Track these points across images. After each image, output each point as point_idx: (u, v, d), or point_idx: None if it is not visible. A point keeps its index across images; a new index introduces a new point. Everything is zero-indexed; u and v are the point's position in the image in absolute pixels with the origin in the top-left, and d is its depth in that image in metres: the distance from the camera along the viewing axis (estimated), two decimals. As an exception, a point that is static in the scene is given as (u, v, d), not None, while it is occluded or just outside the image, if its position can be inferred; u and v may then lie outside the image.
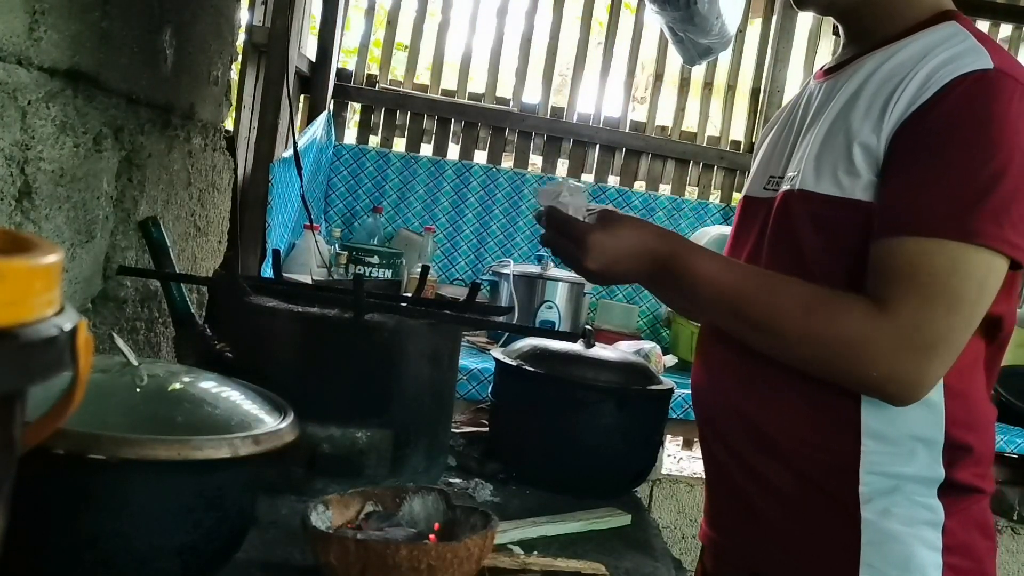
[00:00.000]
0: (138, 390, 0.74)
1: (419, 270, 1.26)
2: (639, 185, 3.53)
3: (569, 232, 0.99)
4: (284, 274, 1.22)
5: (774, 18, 3.57)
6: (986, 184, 0.86)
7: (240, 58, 2.40)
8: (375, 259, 2.70)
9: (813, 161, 0.98)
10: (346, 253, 2.68)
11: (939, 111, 0.89)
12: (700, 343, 1.17)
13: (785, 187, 1.02)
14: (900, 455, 0.96)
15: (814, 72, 1.14)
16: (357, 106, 3.54)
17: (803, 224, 0.98)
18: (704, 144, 3.58)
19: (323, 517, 0.80)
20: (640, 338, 2.91)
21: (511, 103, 3.48)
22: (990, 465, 1.01)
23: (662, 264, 0.97)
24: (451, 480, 1.15)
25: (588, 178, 3.50)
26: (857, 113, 0.96)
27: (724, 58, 3.32)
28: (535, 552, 0.93)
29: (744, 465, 1.04)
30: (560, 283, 2.72)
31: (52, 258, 0.40)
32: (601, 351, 1.24)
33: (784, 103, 1.23)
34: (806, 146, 1.01)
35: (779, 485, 1.01)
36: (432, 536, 0.82)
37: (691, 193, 3.64)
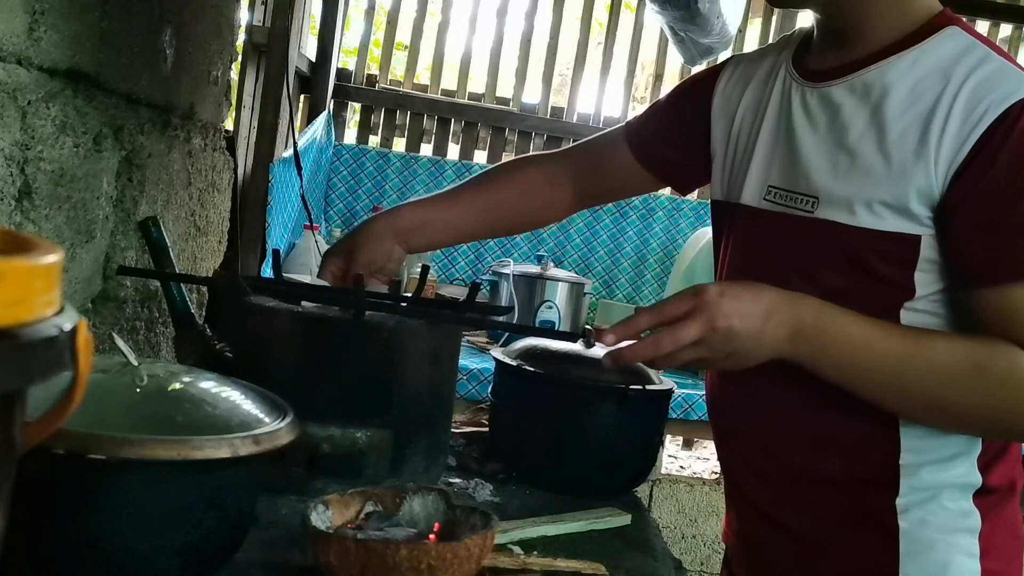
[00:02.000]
0: (138, 390, 0.74)
1: (419, 270, 1.26)
2: (639, 185, 3.52)
3: (669, 312, 0.87)
4: (284, 274, 1.22)
5: (774, 18, 3.57)
6: None
7: (240, 58, 2.40)
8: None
9: (844, 190, 0.93)
10: (346, 253, 2.68)
11: (1007, 150, 0.85)
12: None
13: (817, 213, 0.96)
14: (939, 464, 0.94)
15: (786, 68, 1.06)
16: (357, 106, 3.54)
17: (837, 258, 0.94)
18: (704, 144, 3.58)
19: (323, 517, 0.80)
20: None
21: (511, 103, 3.48)
22: (1019, 460, 1.00)
23: (809, 325, 0.87)
24: (451, 480, 1.15)
25: (588, 178, 3.50)
26: (891, 142, 0.91)
27: (724, 58, 3.32)
28: (535, 552, 0.93)
29: (775, 481, 1.02)
30: (560, 283, 2.73)
31: (52, 258, 0.40)
32: (601, 351, 1.24)
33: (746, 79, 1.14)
34: (821, 166, 0.96)
35: (815, 500, 0.99)
36: (432, 536, 0.82)
37: (691, 193, 3.64)
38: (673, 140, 1.21)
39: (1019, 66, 0.91)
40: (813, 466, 0.97)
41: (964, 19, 0.98)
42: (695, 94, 1.20)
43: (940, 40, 0.93)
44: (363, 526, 0.82)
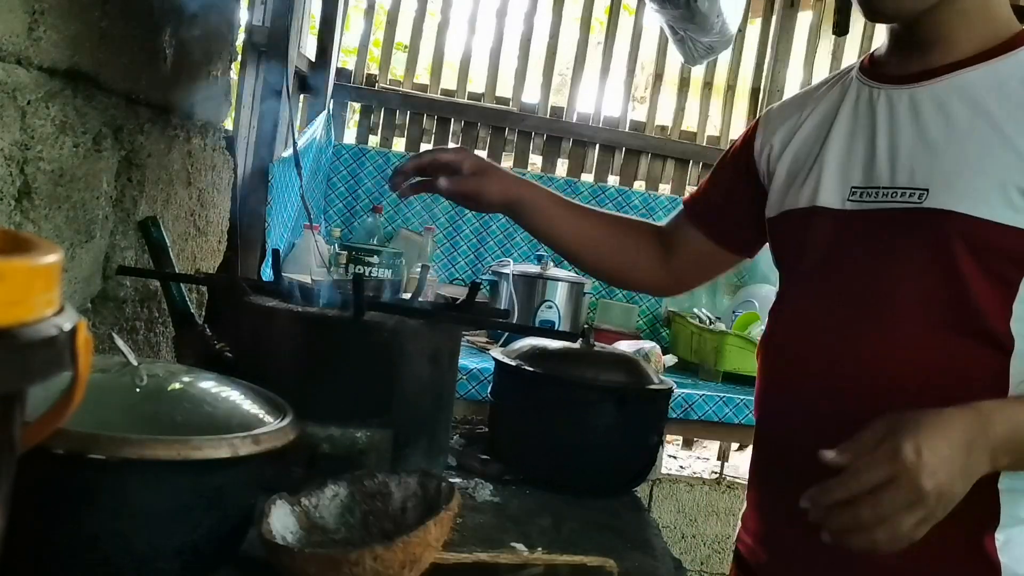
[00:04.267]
0: (138, 390, 0.74)
1: (419, 270, 1.26)
2: (639, 185, 3.53)
3: (867, 481, 0.75)
4: (284, 274, 1.22)
5: (774, 18, 3.57)
6: None
7: (240, 58, 2.40)
8: (375, 259, 2.70)
9: (967, 182, 0.92)
10: (346, 253, 2.68)
11: None
12: (781, 371, 1.07)
13: (926, 203, 0.94)
14: None
15: (856, 78, 1.08)
16: (357, 106, 3.54)
17: (962, 251, 0.92)
18: (704, 144, 3.58)
19: (283, 514, 0.80)
20: (640, 338, 2.91)
21: (511, 103, 3.48)
22: None
23: (1002, 438, 0.81)
24: (451, 480, 1.15)
25: (588, 178, 3.50)
26: (1010, 132, 0.92)
27: (724, 58, 3.32)
28: (539, 549, 0.93)
29: None
30: (560, 283, 2.73)
31: (52, 258, 0.40)
32: (601, 351, 1.24)
33: (796, 99, 1.17)
34: (930, 159, 0.95)
35: None
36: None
37: (691, 193, 3.64)
38: (729, 206, 1.23)
39: None
40: None
41: None
42: (738, 155, 1.23)
43: None
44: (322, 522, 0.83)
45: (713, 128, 3.66)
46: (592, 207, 1.32)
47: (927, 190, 0.94)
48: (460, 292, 1.27)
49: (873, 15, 1.01)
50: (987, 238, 0.90)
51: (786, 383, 1.04)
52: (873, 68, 1.07)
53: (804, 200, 1.05)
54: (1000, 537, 0.90)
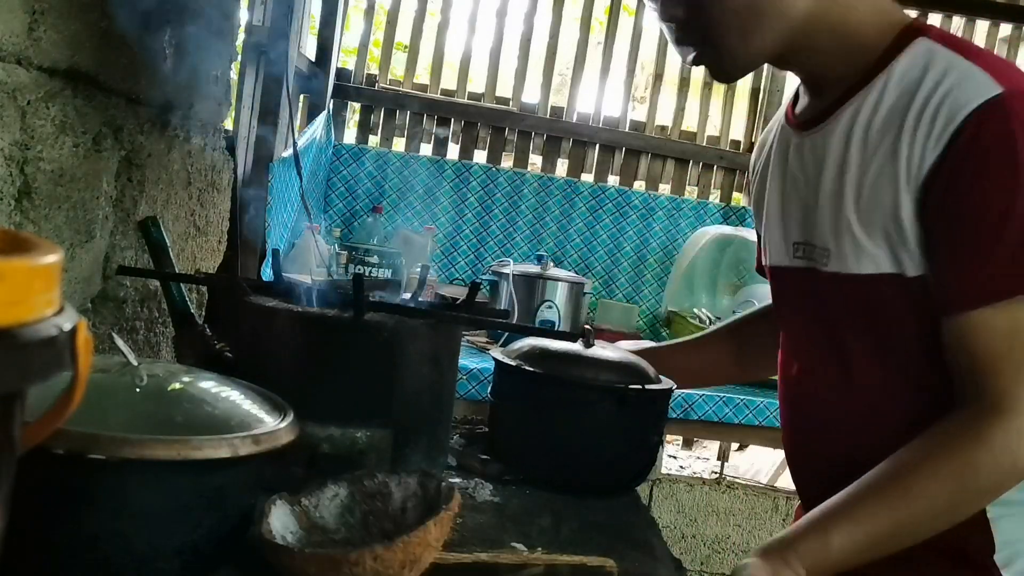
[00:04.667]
0: (138, 390, 0.74)
1: (419, 270, 1.26)
2: (639, 185, 3.53)
3: None
4: (284, 274, 1.22)
5: (774, 18, 3.57)
6: None
7: (240, 58, 2.40)
8: (375, 259, 2.70)
9: (844, 238, 0.91)
10: (346, 253, 2.68)
11: (966, 164, 0.81)
12: (784, 400, 1.11)
13: (827, 266, 0.94)
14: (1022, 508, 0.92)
15: (784, 116, 1.05)
16: (357, 106, 3.54)
17: (854, 308, 0.92)
18: (704, 144, 3.58)
19: (283, 514, 0.80)
20: (640, 337, 2.91)
21: (511, 103, 3.48)
22: None
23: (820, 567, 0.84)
24: (451, 480, 1.15)
25: (588, 178, 3.50)
26: (869, 179, 0.88)
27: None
28: (539, 549, 0.93)
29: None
30: (560, 283, 2.73)
31: (52, 258, 0.40)
32: (601, 351, 1.24)
33: (764, 141, 1.14)
34: (825, 215, 0.93)
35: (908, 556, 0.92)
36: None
37: (691, 193, 3.64)
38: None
39: (991, 63, 0.84)
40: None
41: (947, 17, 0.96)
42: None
43: (905, 58, 0.88)
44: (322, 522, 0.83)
45: (713, 128, 3.66)
46: (680, 342, 1.37)
47: (829, 250, 0.93)
48: (460, 292, 1.27)
49: (716, 78, 1.00)
50: (879, 293, 0.90)
51: (788, 413, 1.09)
52: (793, 111, 1.04)
53: (767, 258, 1.08)
54: (999, 559, 0.92)
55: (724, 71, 0.97)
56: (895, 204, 0.86)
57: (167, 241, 1.21)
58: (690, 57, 0.97)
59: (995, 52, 3.62)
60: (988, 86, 0.81)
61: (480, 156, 3.48)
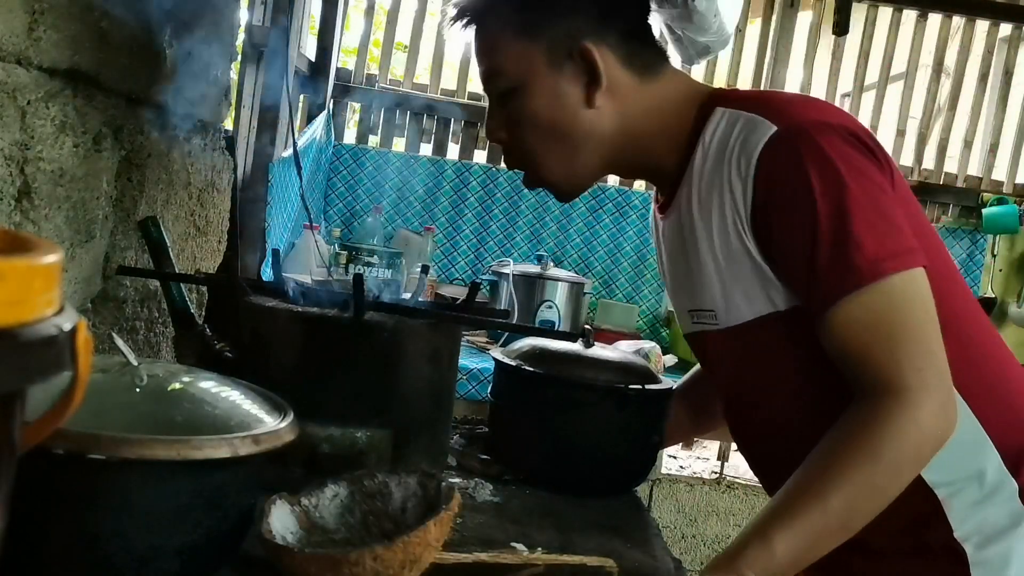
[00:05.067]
0: (138, 390, 0.74)
1: (419, 270, 1.26)
2: (639, 185, 3.53)
3: None
4: (284, 274, 1.22)
5: (774, 18, 3.57)
6: (847, 229, 0.87)
7: (240, 58, 2.40)
8: (375, 259, 2.70)
9: (720, 296, 0.99)
10: (346, 253, 2.68)
11: (770, 196, 0.90)
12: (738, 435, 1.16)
13: (718, 325, 1.01)
14: (971, 486, 0.95)
15: (653, 202, 1.15)
16: (357, 106, 3.54)
17: (753, 352, 0.99)
18: (704, 144, 3.58)
19: (283, 514, 0.80)
20: (640, 338, 2.91)
21: (511, 103, 3.48)
22: None
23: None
24: (451, 480, 1.15)
25: (588, 178, 3.50)
26: (717, 238, 0.96)
27: (724, 58, 3.33)
28: (539, 549, 0.93)
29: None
30: (560, 283, 2.72)
31: (52, 258, 0.40)
32: (601, 351, 1.24)
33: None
34: (702, 282, 1.01)
35: (872, 548, 0.97)
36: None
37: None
38: None
39: (769, 108, 0.94)
40: (861, 539, 0.92)
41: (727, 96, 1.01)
42: None
43: (709, 128, 0.97)
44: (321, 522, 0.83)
45: (713, 128, 3.66)
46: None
47: (714, 311, 1.01)
48: (460, 292, 1.27)
49: (558, 199, 1.08)
50: (766, 333, 0.96)
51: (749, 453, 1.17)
52: (657, 198, 1.13)
53: (681, 327, 1.15)
54: (959, 535, 0.95)
55: (560, 193, 1.07)
56: (744, 249, 0.95)
57: (167, 241, 1.21)
58: (524, 180, 1.07)
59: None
60: (766, 127, 0.92)
61: (480, 156, 3.48)
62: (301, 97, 3.15)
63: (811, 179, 0.88)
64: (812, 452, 0.90)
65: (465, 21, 1.04)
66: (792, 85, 3.54)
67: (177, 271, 1.26)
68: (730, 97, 0.99)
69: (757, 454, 1.14)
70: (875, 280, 0.86)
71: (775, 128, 0.91)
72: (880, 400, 0.87)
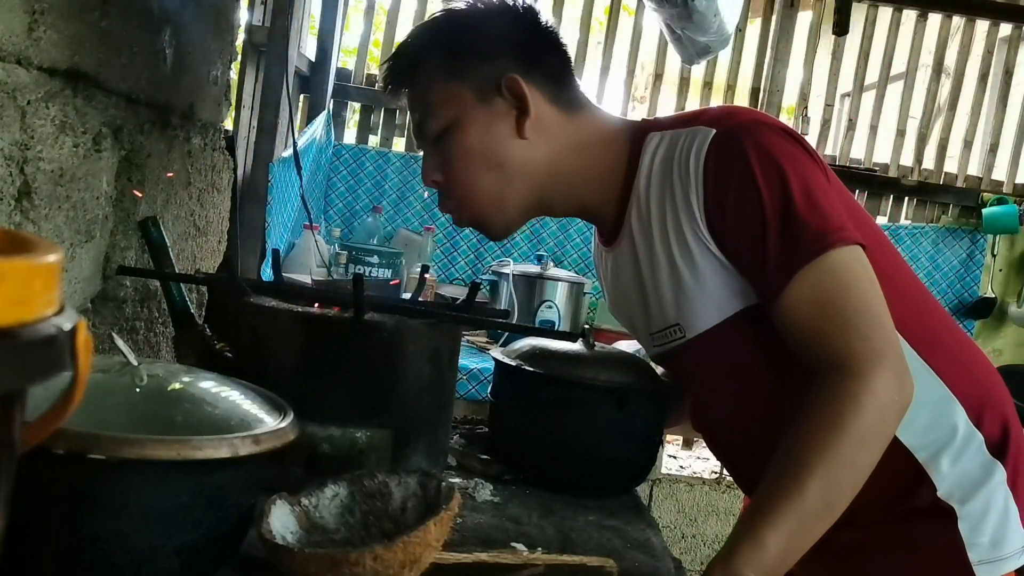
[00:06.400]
0: (138, 390, 0.74)
1: (419, 270, 1.26)
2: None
3: None
4: (284, 274, 1.22)
5: (774, 17, 3.57)
6: (791, 211, 0.91)
7: (240, 58, 2.40)
8: (375, 259, 2.70)
9: (685, 306, 1.01)
10: (346, 253, 2.69)
11: (718, 190, 0.95)
12: (697, 415, 1.18)
13: (685, 337, 1.03)
14: (947, 442, 0.99)
15: (596, 237, 1.18)
16: (357, 106, 3.54)
17: (724, 356, 1.02)
18: (704, 144, 3.58)
19: (283, 513, 0.80)
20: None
21: (511, 103, 3.48)
22: (1004, 402, 1.05)
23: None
24: (451, 480, 1.15)
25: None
26: (676, 249, 0.99)
27: (723, 57, 3.32)
28: (539, 549, 0.93)
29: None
30: (560, 283, 2.72)
31: (52, 258, 0.40)
32: (601, 351, 1.24)
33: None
34: (660, 300, 1.04)
35: (858, 522, 0.97)
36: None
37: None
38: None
39: (711, 117, 1.00)
40: (852, 514, 0.93)
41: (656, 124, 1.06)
42: None
43: (647, 153, 1.02)
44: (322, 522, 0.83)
45: (713, 128, 3.66)
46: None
47: (679, 324, 1.04)
48: (460, 292, 1.27)
49: (489, 237, 1.12)
50: (737, 333, 0.99)
51: (711, 434, 1.18)
52: (600, 232, 1.16)
53: (646, 351, 1.18)
54: (942, 494, 0.99)
55: (491, 231, 1.10)
56: (705, 250, 0.98)
57: (167, 241, 1.21)
58: (457, 219, 1.10)
59: (998, 52, 3.62)
60: (707, 132, 0.98)
61: (480, 156, 3.47)
62: (301, 97, 3.15)
63: (755, 170, 0.93)
64: (782, 442, 0.92)
65: (398, 85, 1.09)
66: (792, 85, 3.54)
67: (177, 271, 1.26)
68: (663, 123, 1.05)
69: (730, 451, 1.16)
70: (819, 254, 0.90)
71: (715, 130, 0.97)
72: (836, 377, 0.89)
